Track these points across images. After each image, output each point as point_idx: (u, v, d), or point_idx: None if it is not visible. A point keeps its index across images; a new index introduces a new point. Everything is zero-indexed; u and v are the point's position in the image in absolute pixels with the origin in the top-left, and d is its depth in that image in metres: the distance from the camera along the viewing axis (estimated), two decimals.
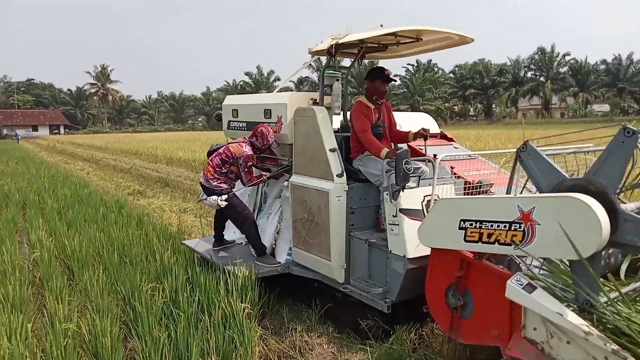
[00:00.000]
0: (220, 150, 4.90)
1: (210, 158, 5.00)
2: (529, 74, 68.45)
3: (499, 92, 68.35)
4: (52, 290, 4.38)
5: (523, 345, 2.50)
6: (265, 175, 4.96)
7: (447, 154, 3.69)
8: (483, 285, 2.83)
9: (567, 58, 65.23)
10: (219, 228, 5.24)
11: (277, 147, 4.84)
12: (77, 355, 3.37)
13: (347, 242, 3.96)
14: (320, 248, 4.07)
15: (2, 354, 3.15)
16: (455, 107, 74.25)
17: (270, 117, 4.74)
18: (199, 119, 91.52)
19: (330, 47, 4.26)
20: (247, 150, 4.72)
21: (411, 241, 3.32)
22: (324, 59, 5.02)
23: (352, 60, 4.73)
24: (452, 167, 3.98)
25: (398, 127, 4.41)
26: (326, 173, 3.98)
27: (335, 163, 3.96)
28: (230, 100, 5.56)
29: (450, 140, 4.71)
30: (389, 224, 3.50)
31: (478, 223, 2.67)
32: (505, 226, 2.54)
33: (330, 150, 3.98)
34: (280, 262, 4.65)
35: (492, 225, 2.60)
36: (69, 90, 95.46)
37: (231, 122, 5.37)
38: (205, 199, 4.90)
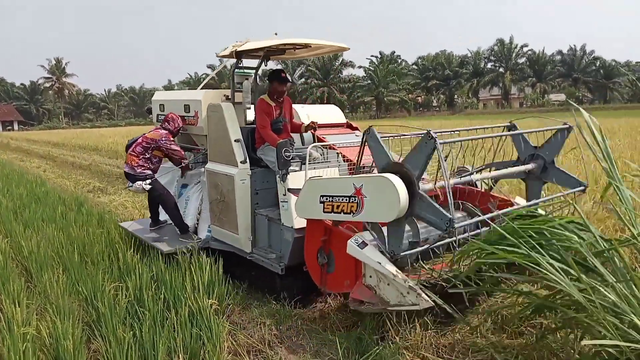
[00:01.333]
0: (139, 140, 5.52)
1: (130, 149, 5.55)
2: (489, 65, 70.14)
3: (461, 83, 69.74)
4: (8, 294, 4.22)
5: (362, 290, 3.30)
6: (187, 160, 5.68)
7: (319, 143, 4.59)
8: (339, 246, 3.51)
9: (525, 49, 67.19)
10: (154, 211, 5.82)
11: (185, 131, 5.62)
12: None
13: (252, 218, 4.65)
14: (230, 224, 4.73)
15: None
16: (419, 98, 75.37)
17: (189, 112, 5.43)
18: None
19: (231, 53, 4.96)
20: (162, 132, 5.43)
21: (296, 215, 3.97)
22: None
23: (259, 61, 5.32)
24: (342, 153, 4.58)
25: (308, 118, 5.09)
26: (232, 160, 4.65)
27: (239, 151, 4.61)
28: (158, 96, 6.33)
29: (355, 129, 5.32)
30: (281, 201, 4.23)
31: (331, 198, 3.39)
32: (346, 199, 3.27)
33: (235, 140, 4.64)
34: (201, 238, 5.26)
35: (339, 199, 3.33)
36: (22, 84, 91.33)
37: (159, 115, 6.02)
38: (131, 186, 5.47)
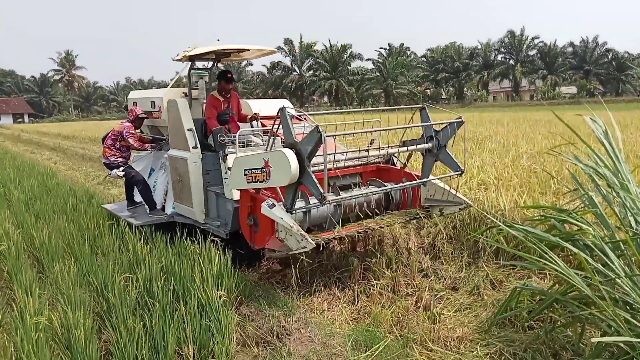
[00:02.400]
0: (109, 134, 6.54)
1: (104, 142, 6.60)
2: (499, 57, 69.39)
3: (471, 76, 69.10)
4: (21, 284, 4.27)
5: (275, 241, 4.09)
6: (148, 145, 6.60)
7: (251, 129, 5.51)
8: (259, 209, 4.21)
9: (536, 41, 66.33)
10: (129, 194, 6.77)
11: (147, 117, 6.46)
12: (49, 349, 3.29)
13: (204, 194, 5.45)
14: (187, 200, 5.56)
15: None
16: (428, 90, 74.83)
17: (154, 107, 6.30)
18: None
19: (183, 57, 5.82)
20: (126, 124, 6.39)
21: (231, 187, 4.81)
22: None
23: (212, 63, 6.39)
24: (281, 138, 5.03)
25: (259, 112, 5.85)
26: (186, 146, 5.46)
27: (191, 139, 5.42)
28: (133, 94, 7.17)
29: (303, 119, 5.90)
30: (223, 178, 5.09)
31: (250, 170, 4.15)
32: (259, 170, 4.06)
33: (187, 129, 5.46)
34: (167, 214, 6.14)
35: (255, 171, 4.11)
36: (32, 77, 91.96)
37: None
38: (110, 174, 6.51)
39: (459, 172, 4.82)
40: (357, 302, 4.30)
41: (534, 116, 22.67)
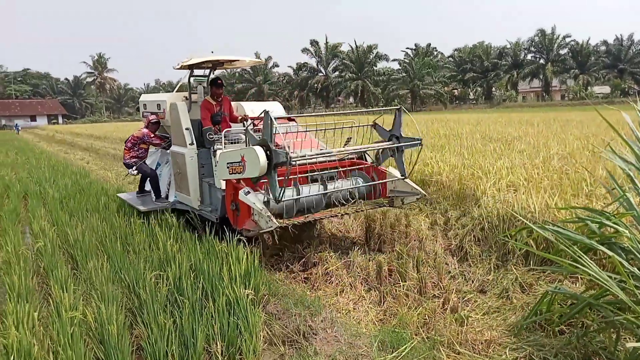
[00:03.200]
0: (129, 138, 7.49)
1: (125, 146, 7.57)
2: (529, 57, 67.95)
3: (499, 75, 67.89)
4: (57, 280, 4.41)
5: (250, 223, 4.82)
6: (163, 143, 7.42)
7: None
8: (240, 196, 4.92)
9: (568, 40, 64.70)
10: (141, 185, 7.84)
11: (160, 121, 7.24)
12: (84, 343, 3.39)
13: (200, 184, 6.22)
14: (186, 189, 6.37)
15: (11, 342, 3.18)
16: (455, 90, 73.86)
17: (160, 109, 7.09)
18: None
19: (181, 66, 6.54)
20: (144, 131, 7.32)
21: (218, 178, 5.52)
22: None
23: (209, 71, 7.12)
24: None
25: (252, 112, 6.71)
26: (184, 143, 6.26)
27: (188, 136, 6.23)
28: (143, 98, 7.96)
29: (292, 120, 6.47)
30: (214, 170, 5.74)
31: (231, 163, 4.89)
32: (237, 164, 4.79)
33: (185, 129, 6.26)
34: (170, 201, 7.00)
35: (234, 164, 4.84)
36: (66, 79, 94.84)
37: (144, 112, 7.73)
38: (129, 172, 7.49)
39: (402, 177, 5.59)
40: (383, 303, 4.29)
41: (565, 116, 22.14)
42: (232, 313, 3.72)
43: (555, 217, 4.91)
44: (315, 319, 3.96)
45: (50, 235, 5.96)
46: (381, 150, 5.68)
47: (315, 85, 69.14)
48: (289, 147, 5.08)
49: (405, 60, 68.36)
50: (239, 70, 75.80)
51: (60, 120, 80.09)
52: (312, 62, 71.10)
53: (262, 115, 4.78)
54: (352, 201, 5.44)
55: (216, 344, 3.42)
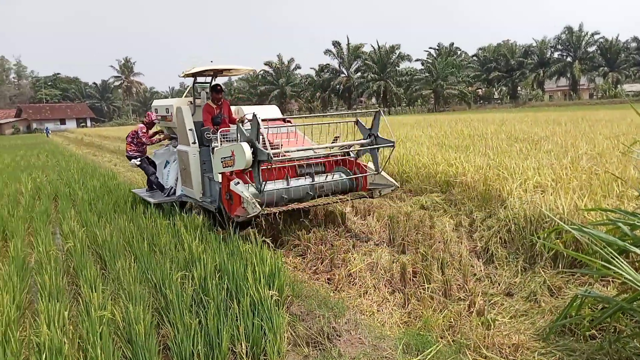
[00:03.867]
0: (130, 133, 8.73)
1: (126, 140, 8.79)
2: (556, 55, 66.54)
3: (525, 74, 66.66)
4: (86, 279, 4.51)
5: (240, 209, 5.51)
6: (156, 139, 8.73)
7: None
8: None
9: (596, 37, 63.11)
10: (149, 182, 8.75)
11: (167, 125, 8.17)
12: (112, 342, 3.46)
13: (202, 179, 6.98)
14: (189, 183, 7.15)
15: (43, 340, 3.27)
16: (479, 90, 72.84)
17: (168, 112, 7.84)
18: None
19: (185, 75, 7.41)
20: (140, 126, 8.57)
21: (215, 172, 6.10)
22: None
23: (211, 78, 7.95)
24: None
25: (250, 116, 6.66)
26: (187, 142, 7.09)
27: (191, 136, 7.06)
28: (155, 103, 8.78)
29: (288, 122, 6.99)
30: (213, 166, 6.13)
31: (224, 158, 5.61)
32: (229, 158, 5.52)
33: (189, 130, 7.10)
34: (177, 195, 7.80)
35: (226, 159, 5.58)
36: (94, 83, 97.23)
37: (155, 117, 8.59)
38: (130, 163, 8.68)
39: (376, 172, 6.28)
40: (408, 305, 4.25)
41: (594, 115, 21.55)
42: (256, 314, 3.74)
43: (584, 218, 4.78)
44: (339, 320, 3.95)
45: (79, 236, 6.10)
46: (360, 146, 6.40)
47: (337, 86, 69.11)
48: (281, 145, 5.93)
49: (428, 60, 67.74)
50: (261, 73, 76.54)
51: (88, 123, 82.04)
52: (334, 63, 71.16)
53: (264, 117, 5.84)
54: (344, 194, 6.27)
55: (241, 344, 3.44)
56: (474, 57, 73.37)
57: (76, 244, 5.67)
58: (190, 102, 7.69)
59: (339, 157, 6.54)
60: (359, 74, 69.23)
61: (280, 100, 72.59)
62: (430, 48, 70.43)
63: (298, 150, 5.99)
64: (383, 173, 6.35)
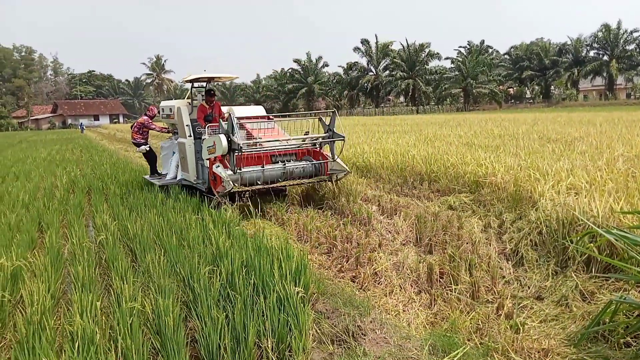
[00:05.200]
0: (135, 123, 10.70)
1: (132, 129, 10.78)
2: (592, 53, 64.54)
3: (559, 73, 64.93)
4: (117, 271, 4.62)
5: (221, 187, 7.12)
6: (165, 130, 10.86)
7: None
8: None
9: (635, 35, 60.86)
10: (152, 167, 10.87)
11: (170, 121, 9.99)
12: (142, 333, 3.54)
13: (196, 165, 8.78)
14: (187, 169, 8.97)
15: (76, 329, 3.37)
16: (511, 89, 71.34)
17: (172, 111, 9.61)
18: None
19: (184, 81, 9.58)
20: (146, 118, 10.54)
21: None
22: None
23: (206, 83, 9.76)
24: (247, 130, 8.19)
25: (240, 115, 8.44)
26: (185, 135, 8.95)
27: (188, 131, 8.92)
28: (162, 104, 10.43)
29: (270, 119, 8.89)
30: (203, 154, 7.80)
31: (209, 147, 7.41)
32: (212, 147, 7.33)
33: (186, 125, 8.98)
34: (177, 179, 9.52)
35: (210, 147, 7.39)
36: (127, 80, 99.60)
37: (162, 114, 10.32)
38: (138, 149, 10.83)
39: (342, 138, 7.95)
40: (434, 306, 4.21)
41: (631, 116, 20.83)
42: (282, 310, 3.76)
43: (620, 222, 4.63)
44: (364, 319, 3.93)
45: (111, 229, 6.26)
46: (321, 139, 8.10)
47: (366, 84, 68.81)
48: (260, 137, 7.79)
49: (459, 58, 66.72)
50: (289, 71, 76.91)
51: (121, 119, 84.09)
52: (363, 61, 70.90)
53: (248, 115, 8.57)
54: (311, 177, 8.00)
55: (267, 340, 3.46)
56: (506, 56, 71.89)
57: (108, 237, 5.82)
58: (189, 102, 9.44)
59: (304, 148, 8.25)
60: (388, 72, 68.74)
61: (307, 98, 72.77)
62: (460, 47, 69.48)
63: (269, 142, 7.73)
64: (338, 160, 8.06)
